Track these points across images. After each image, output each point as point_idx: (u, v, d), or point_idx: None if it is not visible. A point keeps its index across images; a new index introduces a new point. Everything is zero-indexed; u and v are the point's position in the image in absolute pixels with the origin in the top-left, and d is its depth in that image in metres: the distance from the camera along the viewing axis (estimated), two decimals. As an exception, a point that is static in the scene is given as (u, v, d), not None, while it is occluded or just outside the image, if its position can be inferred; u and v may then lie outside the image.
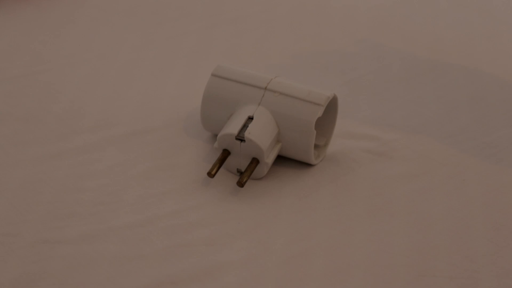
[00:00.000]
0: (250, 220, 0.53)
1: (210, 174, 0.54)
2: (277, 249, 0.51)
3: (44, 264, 0.49)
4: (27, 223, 0.52)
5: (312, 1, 0.78)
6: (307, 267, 0.49)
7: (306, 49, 0.71)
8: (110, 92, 0.65)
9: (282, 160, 0.58)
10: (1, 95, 0.64)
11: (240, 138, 0.54)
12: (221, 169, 0.56)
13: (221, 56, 0.70)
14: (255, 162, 0.55)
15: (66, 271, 0.49)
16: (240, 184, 0.54)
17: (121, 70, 0.68)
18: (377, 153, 0.59)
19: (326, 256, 0.50)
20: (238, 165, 0.56)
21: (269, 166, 0.55)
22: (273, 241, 0.51)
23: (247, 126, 0.55)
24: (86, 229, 0.52)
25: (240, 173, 0.56)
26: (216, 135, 0.58)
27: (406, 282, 0.49)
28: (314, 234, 0.52)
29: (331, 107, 0.57)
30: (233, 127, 0.55)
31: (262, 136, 0.54)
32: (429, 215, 0.53)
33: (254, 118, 0.55)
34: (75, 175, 0.56)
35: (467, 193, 0.55)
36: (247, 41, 0.72)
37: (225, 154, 0.55)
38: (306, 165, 0.57)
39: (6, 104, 0.63)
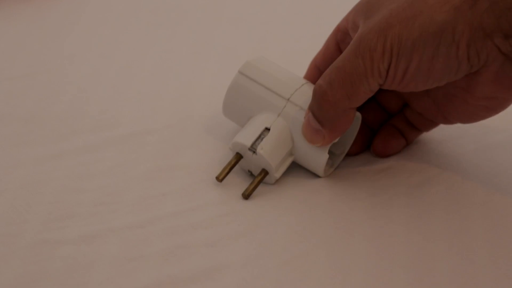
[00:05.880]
0: (250, 222, 0.53)
1: (218, 179, 0.54)
2: (277, 250, 0.51)
3: (44, 264, 0.49)
4: (27, 223, 0.52)
5: (313, 1, 0.78)
6: (307, 268, 0.49)
7: (307, 49, 0.71)
8: (110, 93, 0.65)
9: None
10: (1, 95, 0.64)
11: (252, 150, 0.54)
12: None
13: (221, 56, 0.70)
14: (263, 173, 0.54)
15: (66, 271, 0.49)
16: (245, 196, 0.54)
17: (121, 70, 0.68)
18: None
19: (326, 257, 0.50)
20: (250, 168, 0.55)
21: (277, 178, 0.55)
22: (274, 242, 0.51)
23: (262, 138, 0.54)
24: (86, 230, 0.52)
25: (251, 173, 0.55)
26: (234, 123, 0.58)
27: (406, 282, 0.49)
28: (314, 235, 0.52)
29: (355, 122, 0.56)
30: (248, 137, 0.54)
31: (274, 152, 0.54)
32: (429, 215, 0.53)
33: (270, 130, 0.54)
34: (75, 176, 0.56)
35: (467, 193, 0.55)
36: (247, 41, 0.72)
37: (238, 158, 0.55)
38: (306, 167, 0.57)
39: (6, 104, 0.63)
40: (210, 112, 0.62)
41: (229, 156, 0.57)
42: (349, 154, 0.58)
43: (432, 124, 0.58)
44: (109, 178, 0.56)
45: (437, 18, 0.48)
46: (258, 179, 0.54)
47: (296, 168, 0.57)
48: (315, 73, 0.58)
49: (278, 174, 0.55)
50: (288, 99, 0.55)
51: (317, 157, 0.55)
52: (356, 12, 0.53)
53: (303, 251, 0.50)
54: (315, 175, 0.56)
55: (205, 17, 0.76)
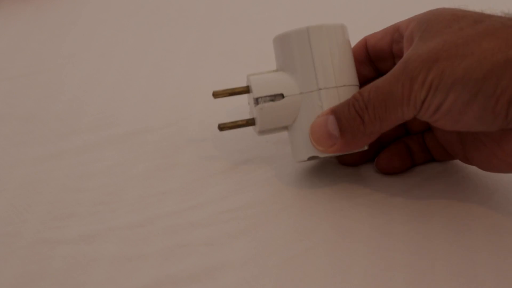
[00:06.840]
0: (250, 220, 0.53)
1: (214, 94, 0.55)
2: (277, 249, 0.50)
3: (44, 264, 0.49)
4: (27, 223, 0.52)
5: (313, 1, 0.78)
6: (307, 267, 0.49)
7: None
8: (110, 92, 0.65)
9: (281, 159, 0.58)
10: (1, 95, 0.64)
11: (256, 101, 0.54)
12: (222, 170, 0.56)
13: (220, 56, 0.70)
14: (249, 122, 0.55)
15: (66, 270, 0.49)
16: (219, 127, 0.55)
17: (121, 69, 0.68)
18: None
19: (326, 256, 0.50)
20: (249, 103, 0.56)
21: (258, 135, 0.55)
22: (273, 241, 0.51)
23: (271, 100, 0.54)
24: (86, 229, 0.52)
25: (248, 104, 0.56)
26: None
27: (406, 282, 0.49)
28: (314, 234, 0.52)
29: None
30: (261, 88, 0.53)
31: (270, 119, 0.54)
32: (429, 214, 0.53)
33: (282, 100, 0.53)
34: (75, 175, 0.56)
35: (467, 193, 0.55)
36: (247, 41, 0.72)
37: (244, 89, 0.55)
38: (307, 165, 0.57)
39: (6, 104, 0.63)
40: (210, 111, 0.62)
41: (228, 157, 0.57)
42: (349, 164, 0.58)
43: (448, 156, 0.57)
44: (109, 177, 0.56)
45: (485, 65, 0.45)
46: (242, 123, 0.55)
47: (295, 165, 0.57)
48: (361, 51, 0.56)
49: (260, 134, 0.55)
50: (319, 90, 0.53)
51: (301, 152, 0.54)
52: (417, 23, 0.51)
53: (303, 250, 0.50)
54: (316, 172, 0.56)
55: (205, 17, 0.76)
